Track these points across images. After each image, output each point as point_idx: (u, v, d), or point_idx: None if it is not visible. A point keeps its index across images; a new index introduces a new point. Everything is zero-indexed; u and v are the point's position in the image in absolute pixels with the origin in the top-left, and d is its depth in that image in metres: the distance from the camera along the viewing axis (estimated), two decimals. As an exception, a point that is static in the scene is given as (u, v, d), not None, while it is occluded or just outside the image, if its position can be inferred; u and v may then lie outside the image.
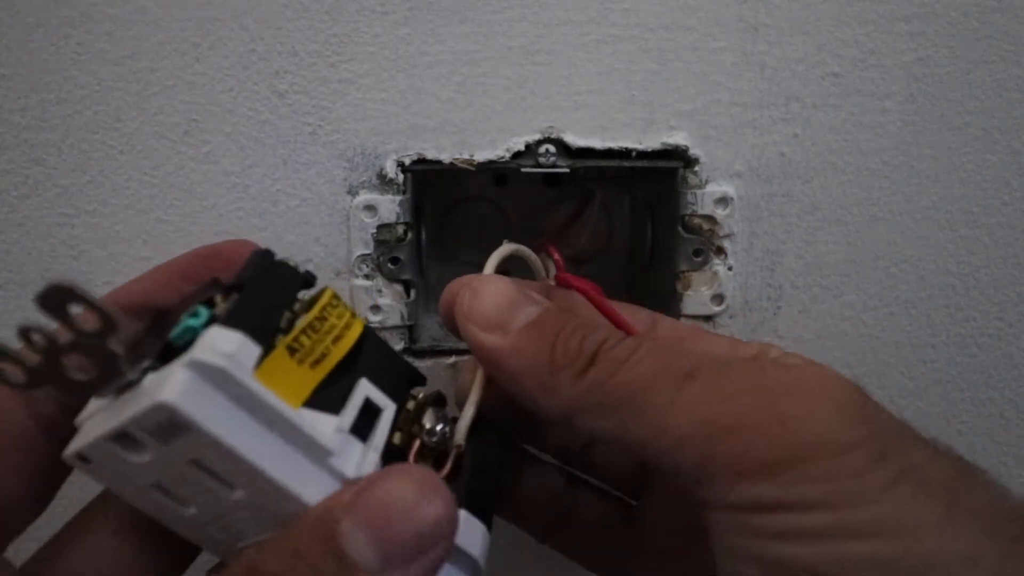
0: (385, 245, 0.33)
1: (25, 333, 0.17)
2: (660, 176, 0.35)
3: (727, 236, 0.34)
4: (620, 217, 0.41)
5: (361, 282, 0.33)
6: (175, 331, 0.19)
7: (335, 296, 0.23)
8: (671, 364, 0.21)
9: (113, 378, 0.18)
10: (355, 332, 0.23)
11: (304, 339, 0.21)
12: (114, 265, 0.32)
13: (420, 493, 0.19)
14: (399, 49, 0.31)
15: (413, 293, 0.34)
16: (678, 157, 0.33)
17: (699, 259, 0.34)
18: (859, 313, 0.36)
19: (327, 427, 0.20)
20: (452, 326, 0.25)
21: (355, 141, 0.32)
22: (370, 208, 0.32)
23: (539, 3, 0.31)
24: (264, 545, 0.19)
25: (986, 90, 0.34)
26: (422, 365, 0.35)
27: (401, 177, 0.32)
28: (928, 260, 0.36)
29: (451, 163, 0.32)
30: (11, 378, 0.18)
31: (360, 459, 0.21)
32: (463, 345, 0.35)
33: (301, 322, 0.21)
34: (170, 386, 0.17)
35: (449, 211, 0.40)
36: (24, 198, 0.31)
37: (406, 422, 0.23)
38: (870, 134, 0.34)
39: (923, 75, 0.34)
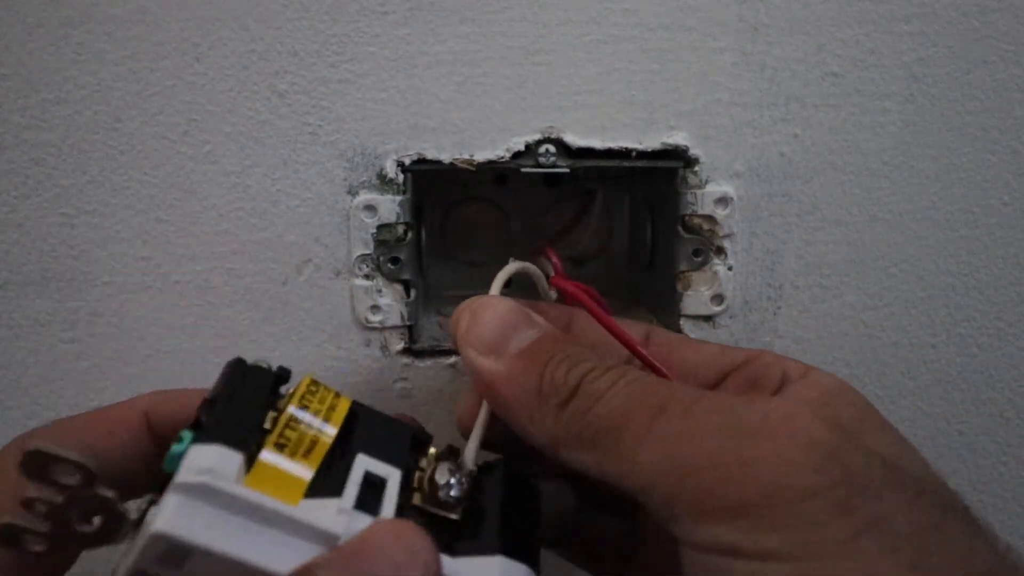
0: (385, 245, 0.33)
1: (28, 504, 0.18)
2: (660, 176, 0.35)
3: (727, 236, 0.34)
4: (620, 217, 0.41)
5: (361, 282, 0.33)
6: (165, 460, 0.20)
7: (313, 382, 0.23)
8: (645, 399, 0.20)
9: (120, 521, 0.19)
10: (342, 411, 0.23)
11: (289, 433, 0.21)
12: (114, 265, 0.32)
13: (405, 549, 0.19)
14: (399, 49, 0.31)
15: (413, 293, 0.34)
16: (678, 157, 0.33)
17: (699, 259, 0.34)
18: (859, 313, 0.36)
19: (329, 512, 0.20)
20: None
21: (355, 141, 0.32)
22: (370, 208, 0.32)
23: (539, 3, 0.31)
24: None
25: (986, 90, 0.34)
26: (422, 365, 0.35)
27: (401, 177, 0.32)
28: (928, 260, 0.36)
29: (451, 163, 0.32)
30: (35, 548, 0.19)
31: None
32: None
33: (282, 418, 0.22)
34: (160, 515, 0.18)
35: (449, 211, 0.40)
36: (24, 198, 0.31)
37: (422, 482, 0.23)
38: (870, 134, 0.34)
39: (923, 75, 0.34)
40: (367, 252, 0.33)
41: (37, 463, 0.18)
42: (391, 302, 0.33)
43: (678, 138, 0.33)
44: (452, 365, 0.35)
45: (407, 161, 0.32)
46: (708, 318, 0.35)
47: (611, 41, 0.32)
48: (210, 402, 0.21)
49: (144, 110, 0.31)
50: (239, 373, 0.23)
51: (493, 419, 0.24)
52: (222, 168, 0.32)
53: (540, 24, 0.32)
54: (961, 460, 0.39)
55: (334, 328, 0.34)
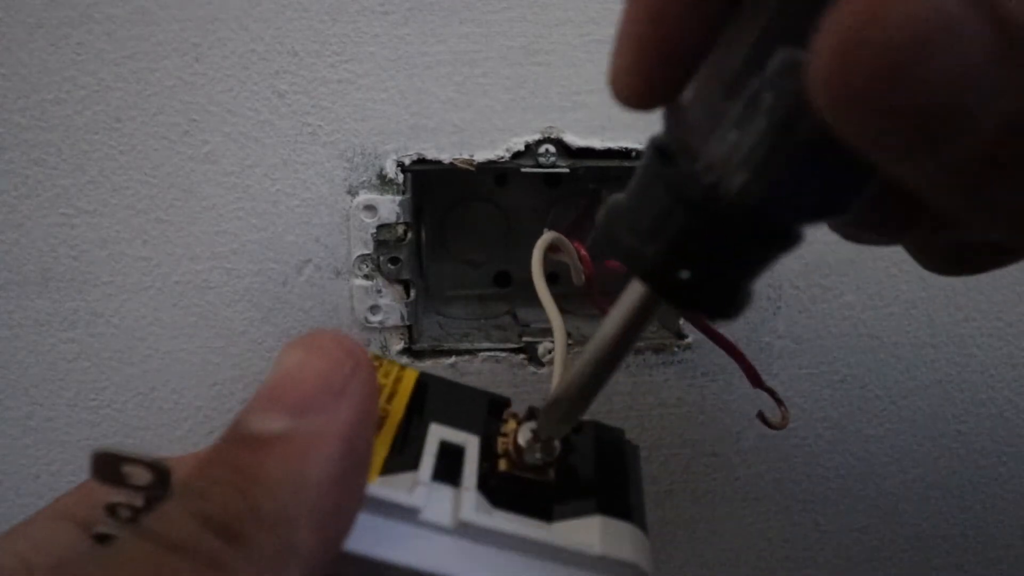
0: (385, 245, 0.33)
1: (112, 511, 0.18)
2: (660, 176, 0.35)
3: (727, 236, 0.34)
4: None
5: (361, 282, 0.33)
6: None
7: (376, 357, 0.22)
8: None
9: None
10: (408, 384, 0.22)
11: None
12: (114, 265, 0.32)
13: (305, 349, 0.17)
14: (399, 49, 0.31)
15: (413, 293, 0.34)
16: (678, 157, 0.33)
17: (699, 259, 0.34)
18: (859, 313, 0.36)
19: (406, 485, 0.19)
20: None
21: (355, 141, 0.32)
22: (370, 208, 0.32)
23: (539, 3, 0.31)
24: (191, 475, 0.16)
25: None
26: (422, 366, 0.35)
27: (401, 177, 0.32)
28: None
29: (451, 163, 0.32)
30: None
31: (454, 504, 0.20)
32: (463, 345, 0.35)
33: None
34: None
35: (449, 211, 0.40)
36: (24, 198, 0.31)
37: (507, 447, 0.22)
38: (870, 134, 0.34)
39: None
40: (367, 252, 0.33)
41: (108, 466, 0.17)
42: (391, 302, 0.33)
43: (678, 138, 0.33)
44: (452, 365, 0.35)
45: (407, 161, 0.32)
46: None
47: (611, 41, 0.32)
48: None
49: (144, 110, 0.31)
50: None
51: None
52: (222, 168, 0.32)
53: (540, 24, 0.32)
54: (961, 460, 0.39)
55: (334, 328, 0.34)
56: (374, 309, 0.33)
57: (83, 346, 0.33)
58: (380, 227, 0.32)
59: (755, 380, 0.30)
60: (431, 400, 0.22)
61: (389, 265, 0.33)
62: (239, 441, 0.16)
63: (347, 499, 0.16)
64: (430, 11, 0.31)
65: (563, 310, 0.40)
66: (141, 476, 0.17)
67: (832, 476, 0.39)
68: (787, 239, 0.15)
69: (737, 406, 0.37)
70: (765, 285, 0.35)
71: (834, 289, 0.36)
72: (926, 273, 0.38)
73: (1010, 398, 0.38)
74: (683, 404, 0.37)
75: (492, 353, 0.35)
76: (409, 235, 0.33)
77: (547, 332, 0.36)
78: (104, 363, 0.34)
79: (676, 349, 0.35)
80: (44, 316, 0.33)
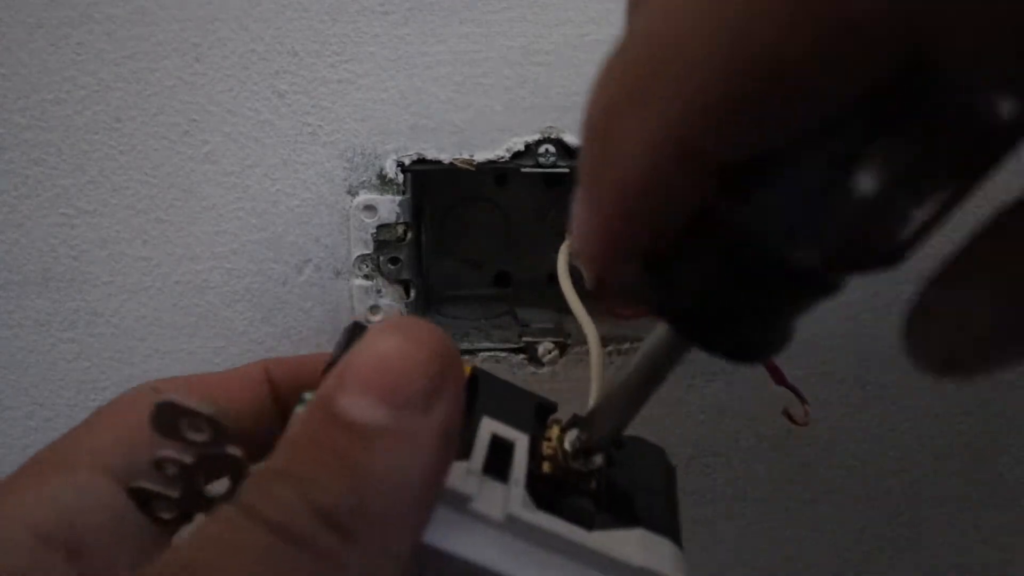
0: (385, 245, 0.33)
1: (159, 464, 0.17)
2: (660, 176, 0.35)
3: (727, 236, 0.34)
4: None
5: (361, 282, 0.33)
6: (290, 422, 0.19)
7: None
8: None
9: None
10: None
11: None
12: (114, 265, 0.32)
13: (404, 336, 0.16)
14: (399, 49, 0.31)
15: (413, 293, 0.34)
16: (678, 157, 0.33)
17: (699, 259, 0.34)
18: (859, 313, 0.36)
19: (458, 473, 0.19)
20: None
21: (355, 141, 0.32)
22: (370, 208, 0.32)
23: (539, 3, 0.31)
24: (271, 457, 0.16)
25: (986, 90, 0.34)
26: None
27: (401, 177, 0.32)
28: (929, 259, 0.36)
29: (451, 163, 0.32)
30: (164, 514, 0.18)
31: (503, 498, 0.19)
32: (463, 345, 0.35)
33: None
34: None
35: (449, 211, 0.40)
36: (24, 198, 0.31)
37: (555, 451, 0.22)
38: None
39: (923, 75, 0.34)
40: (367, 252, 0.33)
41: (168, 417, 0.16)
42: (391, 302, 0.33)
43: (678, 138, 0.33)
44: (452, 365, 0.35)
45: (407, 161, 0.32)
46: (708, 318, 0.35)
47: (611, 41, 0.32)
48: (331, 365, 0.21)
49: (144, 110, 0.31)
50: (354, 335, 0.22)
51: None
52: (222, 168, 0.32)
53: (540, 24, 0.32)
54: (961, 460, 0.39)
55: (334, 328, 0.34)
56: (374, 309, 0.33)
57: (83, 346, 0.33)
58: (380, 227, 0.32)
59: (779, 378, 0.30)
60: (483, 395, 0.22)
61: (389, 265, 0.33)
62: (337, 425, 0.15)
63: (434, 497, 0.16)
64: (430, 11, 0.31)
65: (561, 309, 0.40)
66: (198, 432, 0.17)
67: (832, 476, 0.39)
68: (823, 287, 0.15)
69: (737, 406, 0.37)
70: (765, 285, 0.35)
71: (834, 289, 0.36)
72: (927, 272, 0.38)
73: (1010, 398, 0.38)
74: (683, 404, 0.37)
75: (492, 353, 0.35)
76: (409, 235, 0.33)
77: (547, 332, 0.36)
78: (104, 363, 0.34)
79: (676, 349, 0.35)
80: (44, 316, 0.33)
